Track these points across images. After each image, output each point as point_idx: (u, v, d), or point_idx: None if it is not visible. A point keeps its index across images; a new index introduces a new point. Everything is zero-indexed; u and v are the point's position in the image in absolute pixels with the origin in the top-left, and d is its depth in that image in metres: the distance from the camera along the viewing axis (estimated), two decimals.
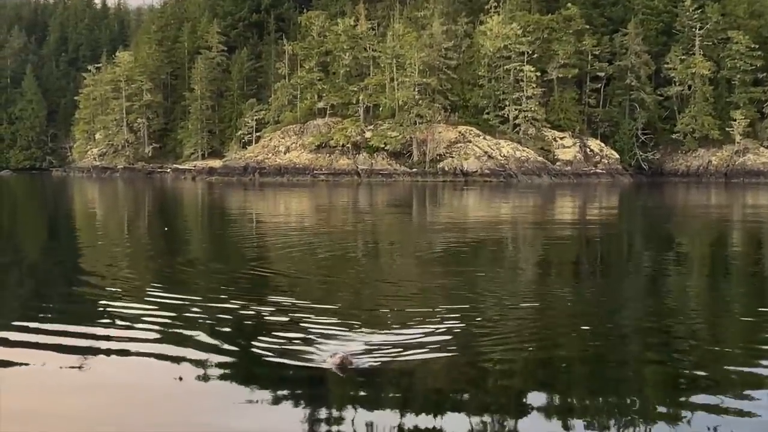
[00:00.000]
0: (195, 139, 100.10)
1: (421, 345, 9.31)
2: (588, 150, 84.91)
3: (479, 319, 11.07)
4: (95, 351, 9.32)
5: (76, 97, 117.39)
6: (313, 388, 7.81)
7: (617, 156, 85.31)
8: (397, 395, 7.66)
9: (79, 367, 8.70)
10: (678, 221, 34.81)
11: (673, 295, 14.47)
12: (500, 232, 27.53)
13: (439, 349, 9.21)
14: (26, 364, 8.84)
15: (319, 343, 9.16)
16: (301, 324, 10.25)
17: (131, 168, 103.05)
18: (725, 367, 8.94)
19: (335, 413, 7.18)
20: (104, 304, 12.13)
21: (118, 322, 10.70)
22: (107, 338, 9.84)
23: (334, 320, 10.59)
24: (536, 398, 7.66)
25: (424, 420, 7.06)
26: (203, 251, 22.02)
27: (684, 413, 7.28)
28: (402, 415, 7.11)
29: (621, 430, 6.89)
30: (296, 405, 7.42)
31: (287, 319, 10.66)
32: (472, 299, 13.04)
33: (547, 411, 7.32)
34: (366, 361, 8.43)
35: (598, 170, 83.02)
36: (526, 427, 6.91)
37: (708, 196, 57.10)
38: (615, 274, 17.41)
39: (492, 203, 46.92)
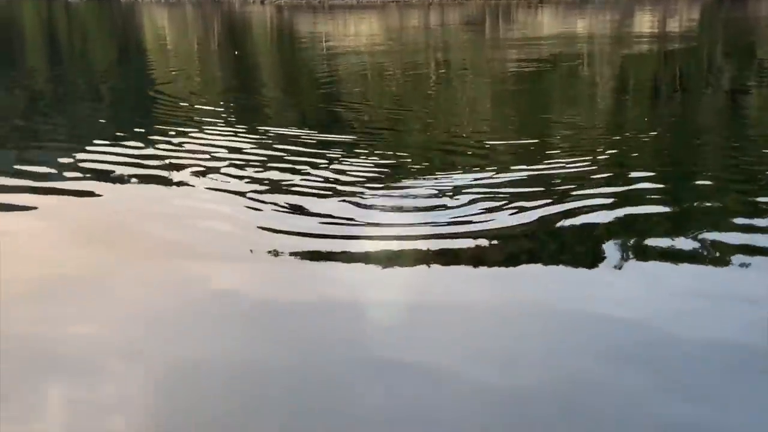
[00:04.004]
0: None
1: (493, 177, 9.12)
2: None
3: (552, 141, 10.87)
4: (161, 171, 9.34)
5: None
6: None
7: None
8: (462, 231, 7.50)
9: (154, 187, 8.75)
10: (762, 33, 33.37)
11: (755, 112, 14.01)
12: (575, 49, 26.72)
13: (508, 182, 9.07)
14: (104, 182, 8.92)
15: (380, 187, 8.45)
16: (370, 163, 9.78)
17: None
18: None
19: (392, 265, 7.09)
20: (173, 131, 12.11)
21: (185, 153, 10.54)
22: (173, 162, 9.87)
23: (403, 155, 10.38)
24: (610, 230, 7.49)
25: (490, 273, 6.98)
26: (273, 75, 22.04)
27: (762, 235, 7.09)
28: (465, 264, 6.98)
29: (696, 247, 6.73)
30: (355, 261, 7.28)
31: (357, 157, 10.22)
32: (544, 119, 12.87)
33: (624, 247, 7.20)
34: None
35: None
36: (601, 263, 6.77)
37: None
38: (694, 90, 16.88)
39: (567, 19, 45.43)
